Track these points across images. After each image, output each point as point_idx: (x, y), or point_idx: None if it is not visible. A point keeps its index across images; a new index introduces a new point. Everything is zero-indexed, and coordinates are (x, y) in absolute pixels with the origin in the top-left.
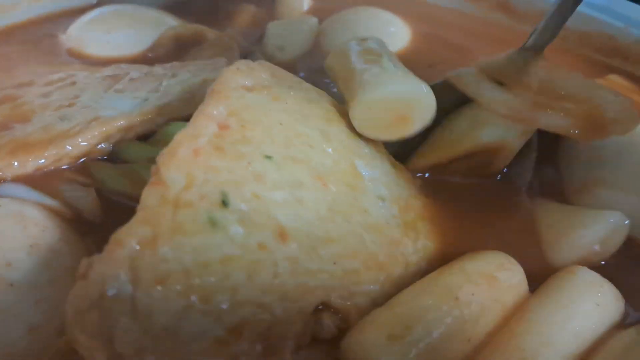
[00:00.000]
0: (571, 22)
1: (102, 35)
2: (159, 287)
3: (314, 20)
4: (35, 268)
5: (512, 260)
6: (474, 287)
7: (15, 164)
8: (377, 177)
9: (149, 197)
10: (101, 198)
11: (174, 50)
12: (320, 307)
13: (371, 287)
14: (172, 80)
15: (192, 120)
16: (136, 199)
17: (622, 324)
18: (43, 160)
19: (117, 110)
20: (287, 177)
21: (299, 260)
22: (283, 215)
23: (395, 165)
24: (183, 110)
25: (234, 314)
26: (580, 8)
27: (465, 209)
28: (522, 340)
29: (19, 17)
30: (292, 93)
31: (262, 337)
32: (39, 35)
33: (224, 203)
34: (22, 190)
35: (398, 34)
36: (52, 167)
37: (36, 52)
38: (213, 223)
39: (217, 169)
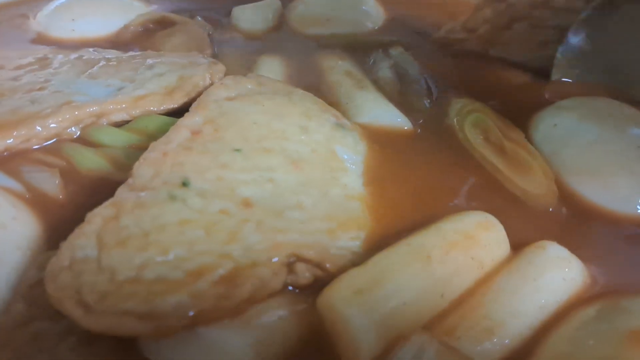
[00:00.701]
0: None
1: (68, 23)
2: (120, 248)
3: (277, 4)
4: None
5: (493, 219)
6: (448, 245)
7: None
8: (361, 160)
9: (118, 191)
10: (68, 179)
11: (141, 34)
12: (293, 259)
13: (349, 242)
14: (149, 72)
15: (169, 131)
16: (115, 180)
17: (586, 299)
18: (11, 140)
19: (90, 96)
20: (256, 163)
21: (264, 221)
22: (249, 190)
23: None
24: (158, 105)
25: (193, 261)
26: None
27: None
28: (489, 310)
29: None
30: (272, 97)
31: (225, 280)
32: (7, 20)
33: (184, 184)
34: None
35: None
36: (21, 148)
37: (5, 36)
38: (172, 197)
39: (183, 163)
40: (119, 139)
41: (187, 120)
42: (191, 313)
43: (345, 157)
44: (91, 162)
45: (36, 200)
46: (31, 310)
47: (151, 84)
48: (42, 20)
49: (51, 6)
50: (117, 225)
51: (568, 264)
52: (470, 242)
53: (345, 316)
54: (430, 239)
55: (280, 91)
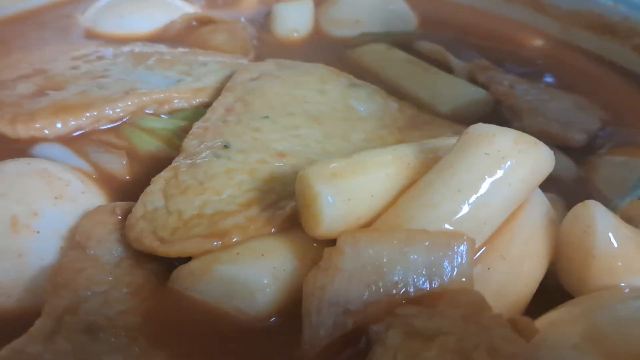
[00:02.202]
0: (561, 1)
1: (116, 19)
2: (182, 196)
3: (311, 5)
4: (60, 216)
5: None
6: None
7: (59, 124)
8: (375, 110)
9: (175, 160)
10: (131, 159)
11: (185, 30)
12: None
13: None
14: (204, 68)
15: (207, 112)
16: (170, 157)
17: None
18: (83, 120)
19: (152, 84)
20: (284, 125)
21: (297, 165)
22: (281, 145)
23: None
24: (213, 97)
25: (242, 197)
26: None
27: None
28: (400, 205)
29: (37, 2)
30: (290, 71)
31: (271, 206)
32: (54, 18)
33: (226, 147)
34: (56, 151)
35: (401, 14)
36: (90, 128)
37: (53, 33)
38: (217, 156)
39: (222, 132)
40: (167, 123)
41: (220, 101)
42: (249, 229)
43: (361, 109)
44: (149, 143)
45: (103, 179)
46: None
47: (207, 79)
48: (90, 18)
49: (99, 4)
50: (177, 181)
51: (492, 137)
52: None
53: (315, 191)
54: (415, 150)
55: (295, 66)
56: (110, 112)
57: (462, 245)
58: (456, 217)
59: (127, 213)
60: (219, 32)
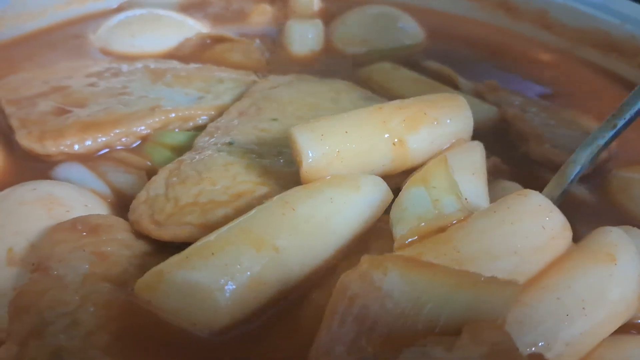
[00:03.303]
0: (568, 19)
1: (127, 39)
2: (181, 185)
3: (320, 24)
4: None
5: (461, 97)
6: (404, 103)
7: (88, 141)
8: None
9: (184, 155)
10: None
11: (199, 48)
12: None
13: None
14: (221, 86)
15: (222, 115)
16: None
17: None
18: (111, 136)
19: (176, 102)
20: (290, 126)
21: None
22: (283, 145)
23: None
24: None
25: (235, 188)
26: (577, 5)
27: None
28: (458, 243)
29: (46, 22)
30: (307, 82)
31: (263, 198)
32: (65, 37)
33: (230, 143)
34: (76, 172)
35: (408, 29)
36: (118, 145)
37: (65, 52)
38: (219, 150)
39: (231, 130)
40: (185, 137)
41: (237, 105)
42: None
43: None
44: (171, 160)
45: (120, 201)
46: None
47: (226, 96)
48: (101, 37)
49: (110, 23)
50: (179, 171)
51: (549, 212)
52: (427, 104)
53: (295, 135)
54: (400, 112)
55: (313, 80)
56: (138, 129)
57: (510, 295)
58: (510, 272)
59: (90, 227)
60: (233, 51)
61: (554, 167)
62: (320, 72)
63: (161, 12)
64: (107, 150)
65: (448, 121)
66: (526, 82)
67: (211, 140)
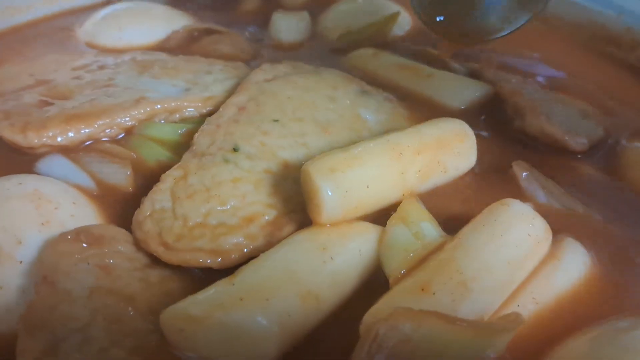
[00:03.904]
0: (564, 12)
1: (114, 32)
2: (189, 201)
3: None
4: (44, 244)
5: (469, 130)
6: (421, 147)
7: (71, 132)
8: (383, 119)
9: (184, 157)
10: (137, 171)
11: (186, 40)
12: None
13: None
14: (209, 77)
15: (220, 108)
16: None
17: (553, 257)
18: (95, 127)
19: (162, 93)
20: (292, 130)
21: (299, 178)
22: (287, 154)
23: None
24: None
25: (245, 210)
26: None
27: None
28: (460, 264)
29: (33, 15)
30: (303, 75)
31: (271, 224)
32: (51, 31)
33: (235, 149)
34: (59, 164)
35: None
36: (101, 137)
37: (51, 45)
38: (226, 160)
39: (233, 132)
40: (174, 128)
41: (234, 99)
42: (245, 250)
43: (369, 117)
44: (157, 153)
45: (105, 193)
46: None
47: (215, 88)
48: (88, 30)
49: (96, 17)
50: (186, 183)
51: (532, 219)
52: (441, 149)
53: (317, 185)
54: (407, 138)
55: (310, 71)
56: (122, 121)
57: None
58: (506, 282)
59: (93, 239)
60: (222, 43)
61: (550, 141)
62: (310, 60)
63: (148, 4)
64: (90, 142)
65: (454, 169)
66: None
67: (214, 142)
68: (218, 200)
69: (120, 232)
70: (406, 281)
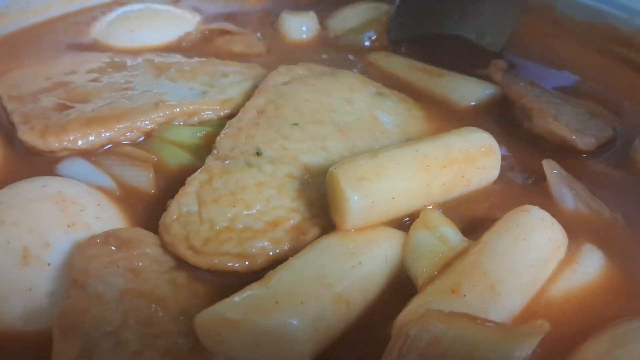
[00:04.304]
0: (575, 13)
1: (126, 34)
2: (215, 205)
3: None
4: (72, 246)
5: (495, 145)
6: (448, 161)
7: (91, 136)
8: (400, 122)
9: (207, 160)
10: (159, 174)
11: (200, 41)
12: None
13: None
14: (225, 80)
15: (240, 112)
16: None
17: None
18: (115, 131)
19: (180, 96)
20: (311, 134)
21: (321, 182)
22: (307, 157)
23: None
24: (239, 109)
25: (269, 214)
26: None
27: None
28: (488, 268)
29: (48, 16)
30: (320, 77)
31: (295, 228)
32: (66, 32)
33: (258, 153)
34: (80, 167)
35: None
36: (120, 141)
37: (64, 47)
38: (249, 164)
39: (254, 136)
40: (194, 131)
41: (253, 102)
42: (271, 253)
43: (385, 120)
44: (178, 156)
45: (127, 195)
46: None
47: (232, 90)
48: (100, 32)
49: (107, 19)
50: (211, 186)
51: (551, 225)
52: (468, 163)
53: (345, 193)
54: (435, 150)
55: (326, 72)
56: (141, 124)
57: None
58: (530, 284)
59: (121, 242)
60: (234, 42)
61: (558, 142)
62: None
63: (159, 6)
64: (111, 145)
65: (477, 182)
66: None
67: (236, 146)
68: (243, 205)
69: (147, 235)
70: (435, 284)
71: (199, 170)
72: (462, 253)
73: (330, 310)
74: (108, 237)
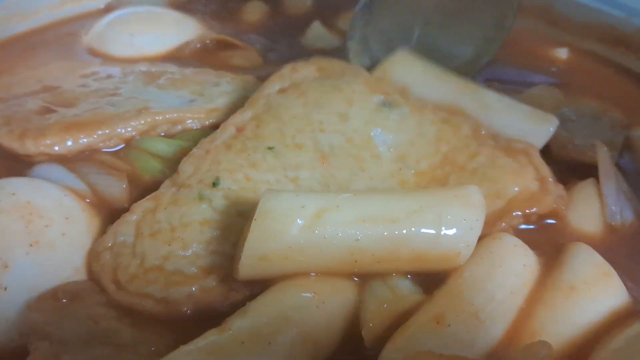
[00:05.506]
0: (572, 13)
1: (126, 37)
2: (151, 239)
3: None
4: (31, 269)
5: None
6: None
7: (69, 141)
8: (400, 142)
9: (163, 185)
10: (133, 184)
11: (199, 51)
12: None
13: None
14: (216, 89)
15: (219, 128)
16: None
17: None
18: (94, 137)
19: (165, 104)
20: (284, 162)
21: None
22: None
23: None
24: (225, 118)
25: (206, 259)
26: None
27: None
28: (469, 296)
29: (39, 22)
30: (320, 85)
31: (229, 281)
32: (60, 36)
33: (214, 185)
34: (55, 172)
35: None
36: (100, 147)
37: (59, 51)
38: (201, 197)
39: (220, 162)
40: (173, 145)
41: (237, 116)
42: (197, 304)
43: (382, 140)
44: (154, 168)
45: (100, 205)
46: None
47: (220, 100)
48: (95, 36)
49: (103, 22)
50: (153, 217)
51: (524, 251)
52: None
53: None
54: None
55: (336, 73)
56: (122, 131)
57: None
58: (512, 310)
59: (71, 295)
60: (235, 56)
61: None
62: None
63: (157, 10)
64: (89, 152)
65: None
66: (531, 74)
67: (197, 173)
68: (181, 244)
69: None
70: (418, 314)
71: (148, 197)
72: (414, 307)
73: (298, 350)
74: (56, 292)
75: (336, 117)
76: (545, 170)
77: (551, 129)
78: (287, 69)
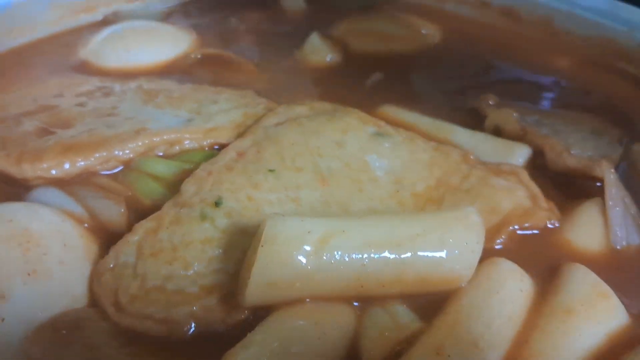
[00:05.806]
0: (574, 27)
1: (122, 52)
2: (152, 259)
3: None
4: (29, 299)
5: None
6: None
7: (66, 164)
8: (394, 168)
9: (165, 205)
10: (131, 208)
11: (196, 65)
12: None
13: None
14: (214, 107)
15: (220, 153)
16: None
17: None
18: (92, 160)
19: (163, 124)
20: (286, 182)
21: None
22: (273, 210)
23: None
24: (227, 137)
25: (208, 278)
26: (583, 13)
27: None
28: (468, 325)
29: (35, 36)
30: (315, 117)
31: (228, 302)
32: (56, 51)
33: (217, 204)
34: (53, 197)
35: None
36: (99, 169)
37: (55, 66)
38: (203, 216)
39: (222, 182)
40: (173, 167)
41: (237, 143)
42: (198, 324)
43: (377, 164)
44: (153, 191)
45: (98, 230)
46: None
47: (219, 118)
48: (92, 51)
49: (100, 37)
50: (155, 237)
51: (521, 276)
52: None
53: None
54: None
55: (326, 112)
56: (120, 153)
57: None
58: (511, 336)
59: (70, 325)
60: (232, 71)
61: (572, 172)
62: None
63: (153, 24)
64: (86, 175)
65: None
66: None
67: (200, 192)
68: (182, 263)
69: (95, 311)
70: (420, 346)
71: (150, 217)
72: (414, 334)
73: None
74: (54, 323)
75: (333, 144)
76: (535, 189)
77: (520, 160)
78: (282, 108)
